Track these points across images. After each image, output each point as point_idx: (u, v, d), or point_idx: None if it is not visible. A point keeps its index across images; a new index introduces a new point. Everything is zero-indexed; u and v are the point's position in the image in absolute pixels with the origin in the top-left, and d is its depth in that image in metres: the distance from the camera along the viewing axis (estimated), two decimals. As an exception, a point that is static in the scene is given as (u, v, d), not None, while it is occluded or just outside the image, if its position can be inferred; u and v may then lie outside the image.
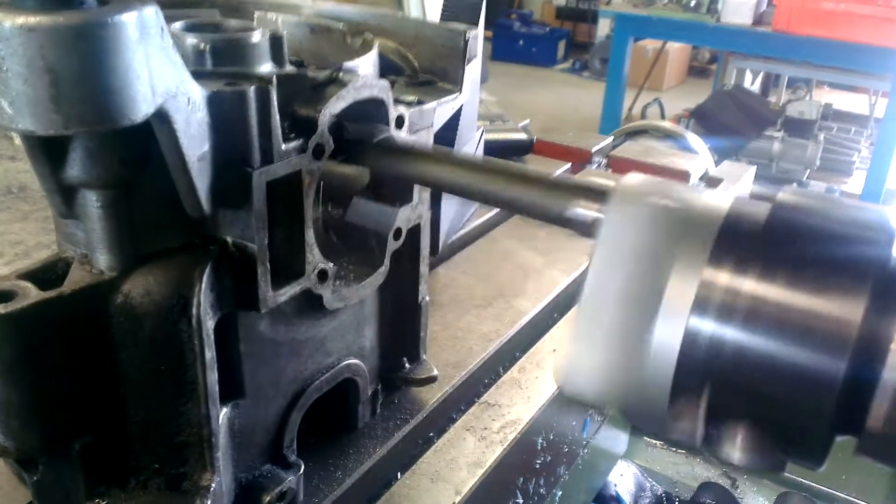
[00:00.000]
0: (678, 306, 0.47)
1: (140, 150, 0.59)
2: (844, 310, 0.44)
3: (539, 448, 1.02)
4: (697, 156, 1.97)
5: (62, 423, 0.61)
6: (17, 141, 0.57)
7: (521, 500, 1.00)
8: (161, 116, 0.54)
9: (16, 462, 0.62)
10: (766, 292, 0.45)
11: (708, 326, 0.47)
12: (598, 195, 0.58)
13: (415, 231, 0.86)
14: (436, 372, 0.92)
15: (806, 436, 0.46)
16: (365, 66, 0.82)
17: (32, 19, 0.46)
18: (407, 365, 0.92)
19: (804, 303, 0.44)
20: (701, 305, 0.47)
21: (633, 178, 0.54)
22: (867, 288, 0.44)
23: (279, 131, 0.64)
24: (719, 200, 0.50)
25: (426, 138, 0.84)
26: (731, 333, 0.46)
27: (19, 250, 1.08)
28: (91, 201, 0.59)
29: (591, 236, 0.54)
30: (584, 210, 0.59)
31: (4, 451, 0.60)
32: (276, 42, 0.75)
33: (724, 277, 0.47)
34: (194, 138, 0.58)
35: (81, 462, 0.63)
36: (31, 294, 0.57)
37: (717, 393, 0.48)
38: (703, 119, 5.38)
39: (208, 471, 0.66)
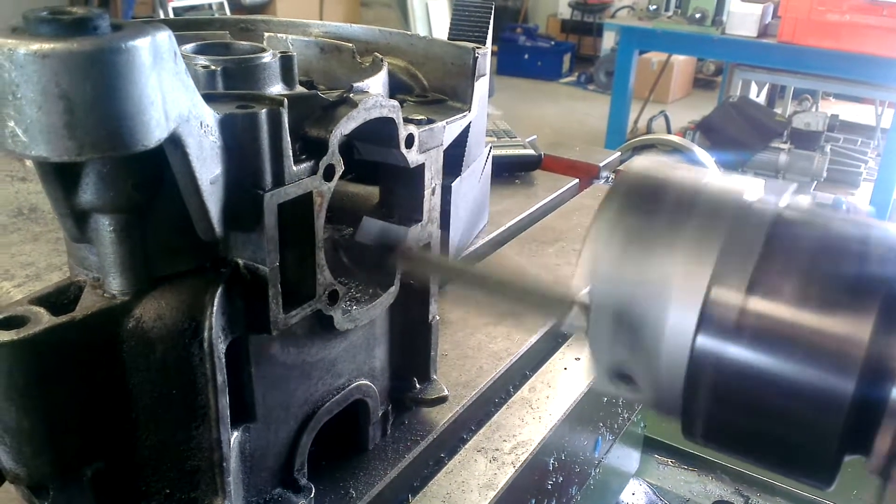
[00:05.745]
0: (684, 325, 0.47)
1: (153, 174, 0.59)
2: (852, 328, 0.43)
3: (551, 468, 1.01)
4: (706, 170, 1.97)
5: (74, 449, 0.61)
6: (29, 162, 0.57)
7: (533, 521, 0.99)
8: (174, 141, 0.54)
9: (27, 488, 0.61)
10: (772, 310, 0.45)
11: (714, 345, 0.46)
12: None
13: (424, 250, 0.85)
14: (446, 392, 0.92)
15: (814, 456, 0.46)
16: (375, 85, 0.82)
17: (46, 46, 0.46)
18: (417, 385, 0.91)
19: (811, 321, 0.44)
20: (707, 324, 0.46)
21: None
22: (875, 306, 0.43)
23: (290, 153, 0.64)
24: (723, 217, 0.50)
25: (436, 157, 0.84)
26: (738, 352, 0.46)
27: (30, 272, 1.08)
28: (104, 226, 0.59)
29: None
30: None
31: (16, 478, 0.59)
32: (286, 63, 0.76)
33: (729, 295, 0.46)
34: (206, 162, 0.58)
35: (93, 488, 0.62)
36: (44, 319, 0.57)
37: (724, 412, 0.47)
38: (708, 131, 5.37)
39: (219, 496, 0.65)
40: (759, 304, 0.45)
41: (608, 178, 1.87)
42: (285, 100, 0.62)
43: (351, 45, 0.96)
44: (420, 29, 8.22)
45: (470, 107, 0.97)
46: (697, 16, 5.29)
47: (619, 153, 1.95)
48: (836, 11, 4.74)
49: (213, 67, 0.70)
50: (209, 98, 0.58)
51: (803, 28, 4.85)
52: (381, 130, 0.75)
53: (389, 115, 0.73)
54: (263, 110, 0.61)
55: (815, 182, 5.25)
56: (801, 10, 4.83)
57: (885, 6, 4.61)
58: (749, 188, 0.50)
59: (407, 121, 0.78)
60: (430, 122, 0.84)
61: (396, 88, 0.98)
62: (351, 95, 0.70)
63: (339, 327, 0.74)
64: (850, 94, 6.35)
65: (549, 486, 1.02)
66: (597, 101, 8.58)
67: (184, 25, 0.99)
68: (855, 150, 5.58)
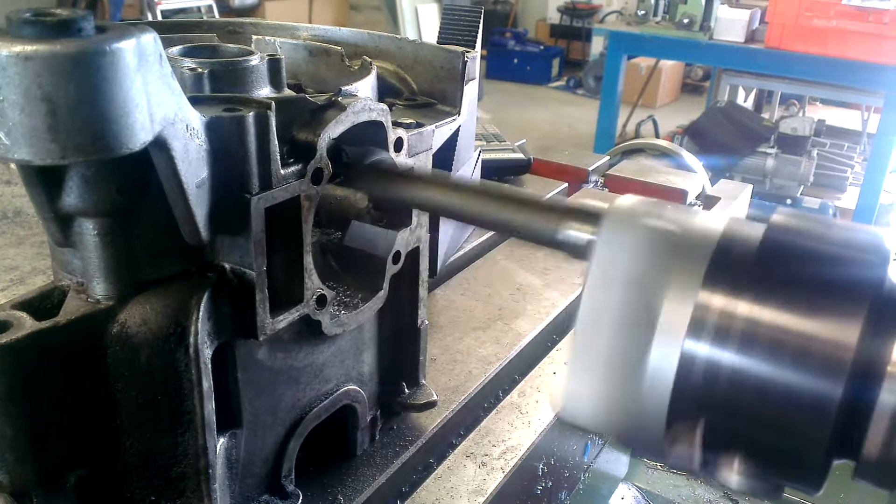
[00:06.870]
0: (673, 330, 0.47)
1: (138, 177, 0.58)
2: (840, 333, 0.43)
3: (540, 474, 1.00)
4: (694, 174, 1.98)
5: (57, 456, 0.60)
6: (13, 165, 0.56)
7: (522, 526, 0.98)
8: (159, 144, 0.53)
9: (9, 495, 0.60)
10: (761, 315, 0.45)
11: (703, 350, 0.46)
12: (590, 217, 0.57)
13: (413, 254, 0.85)
14: (435, 397, 0.91)
15: (803, 460, 0.45)
16: (364, 88, 0.81)
17: (29, 47, 0.45)
18: (406, 390, 0.91)
19: (800, 326, 0.44)
20: (696, 329, 0.46)
21: (626, 200, 0.53)
22: (863, 310, 0.43)
23: (278, 156, 0.63)
24: (713, 222, 0.50)
25: (425, 161, 0.83)
26: (727, 357, 0.46)
27: (14, 276, 1.07)
28: (88, 230, 0.59)
29: (584, 259, 0.53)
30: (576, 232, 0.58)
31: (-2, 485, 0.58)
32: (274, 66, 0.75)
33: (718, 300, 0.46)
34: (192, 165, 0.57)
35: (76, 495, 0.62)
36: (27, 324, 0.56)
37: (713, 417, 0.47)
38: (696, 136, 5.39)
39: (205, 503, 0.64)
40: (747, 309, 0.45)
41: (597, 182, 1.87)
42: (273, 103, 0.62)
43: (340, 48, 0.95)
44: (409, 33, 8.23)
45: (459, 110, 0.97)
46: (685, 21, 5.31)
47: (608, 157, 1.96)
48: (822, 17, 4.77)
49: (199, 70, 0.70)
50: (195, 101, 0.58)
51: (790, 34, 4.88)
52: (369, 134, 0.74)
53: (378, 119, 0.73)
54: (251, 113, 0.60)
55: (802, 187, 5.28)
56: (788, 15, 4.86)
57: (871, 12, 4.65)
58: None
59: (396, 124, 0.77)
60: (419, 125, 0.84)
61: (385, 92, 0.98)
62: (339, 99, 0.70)
63: (327, 332, 0.74)
64: (837, 100, 6.39)
65: (539, 491, 1.01)
66: (585, 105, 8.61)
67: (171, 28, 0.99)
68: (841, 154, 5.62)
